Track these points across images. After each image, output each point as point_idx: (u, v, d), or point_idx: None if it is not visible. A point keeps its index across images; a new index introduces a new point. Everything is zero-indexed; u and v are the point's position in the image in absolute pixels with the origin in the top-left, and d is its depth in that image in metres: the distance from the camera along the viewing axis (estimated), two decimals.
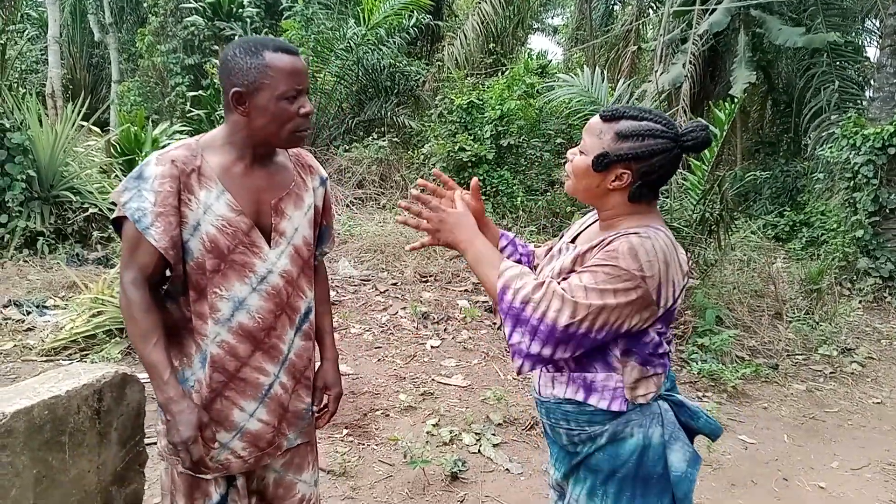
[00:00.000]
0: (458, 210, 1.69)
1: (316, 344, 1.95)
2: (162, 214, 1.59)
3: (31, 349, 4.46)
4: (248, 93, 1.61)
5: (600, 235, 1.62)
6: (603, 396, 1.59)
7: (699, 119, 1.84)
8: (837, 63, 10.16)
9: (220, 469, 1.75)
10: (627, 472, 1.60)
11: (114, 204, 1.65)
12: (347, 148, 10.18)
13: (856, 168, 7.27)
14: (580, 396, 1.62)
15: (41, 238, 6.51)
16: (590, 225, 1.78)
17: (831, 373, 5.10)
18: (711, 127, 5.29)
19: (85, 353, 4.42)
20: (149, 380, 1.66)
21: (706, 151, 5.30)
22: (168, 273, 1.72)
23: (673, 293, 1.54)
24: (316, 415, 1.96)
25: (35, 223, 6.55)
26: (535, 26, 21.18)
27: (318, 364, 1.99)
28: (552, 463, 1.82)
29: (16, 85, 12.17)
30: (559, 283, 1.52)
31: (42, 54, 14.84)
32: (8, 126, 6.46)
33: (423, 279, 6.47)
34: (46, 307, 5.14)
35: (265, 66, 1.60)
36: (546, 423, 1.76)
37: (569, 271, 1.60)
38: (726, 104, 5.20)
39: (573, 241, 1.78)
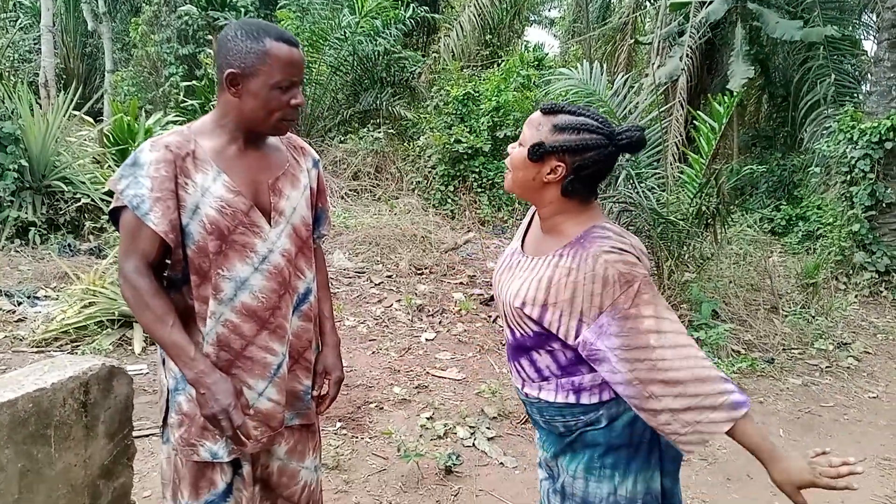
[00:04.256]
0: None
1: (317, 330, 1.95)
2: (160, 199, 1.59)
3: (21, 340, 4.42)
4: (242, 76, 1.62)
5: (553, 246, 1.63)
6: (592, 393, 1.63)
7: (636, 123, 1.90)
8: (834, 57, 10.14)
9: (235, 451, 1.74)
10: (622, 442, 1.66)
11: (108, 194, 1.64)
12: (343, 139, 10.11)
13: (852, 162, 7.26)
14: (571, 399, 1.65)
15: (33, 228, 6.45)
16: (530, 221, 1.81)
17: (827, 367, 5.08)
18: (710, 120, 5.25)
19: (76, 344, 4.37)
20: (166, 364, 1.65)
21: (704, 144, 5.27)
22: (167, 261, 1.71)
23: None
24: (316, 399, 1.94)
25: (27, 213, 6.49)
26: (532, 18, 21.12)
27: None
28: (539, 445, 1.85)
29: (8, 74, 12.10)
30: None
31: (35, 43, 14.70)
32: None
33: (418, 271, 6.43)
34: (38, 298, 5.09)
35: (265, 52, 1.61)
36: (539, 419, 1.77)
37: (542, 304, 1.59)
38: (724, 98, 5.16)
39: (522, 245, 1.77)
